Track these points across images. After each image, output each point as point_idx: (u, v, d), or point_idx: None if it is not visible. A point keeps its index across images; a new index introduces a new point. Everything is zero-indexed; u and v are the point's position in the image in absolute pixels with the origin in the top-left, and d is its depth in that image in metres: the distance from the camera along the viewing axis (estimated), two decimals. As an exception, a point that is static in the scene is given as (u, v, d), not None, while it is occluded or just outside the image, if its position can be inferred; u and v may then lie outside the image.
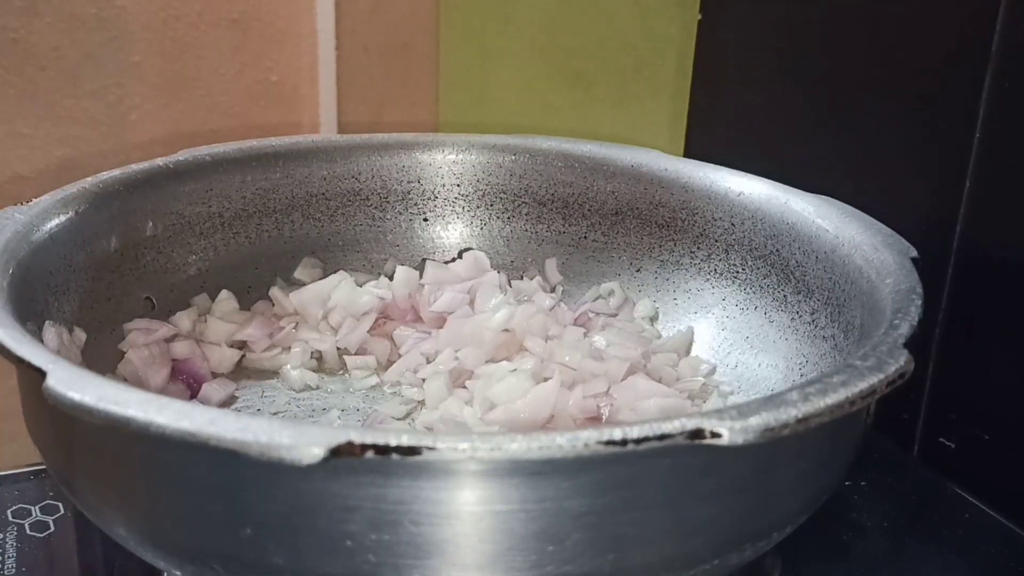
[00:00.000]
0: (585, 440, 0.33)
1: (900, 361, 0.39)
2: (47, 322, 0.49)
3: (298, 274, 0.67)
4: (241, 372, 0.61)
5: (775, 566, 0.51)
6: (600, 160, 0.68)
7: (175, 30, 0.77)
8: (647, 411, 0.54)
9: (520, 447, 0.32)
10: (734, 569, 0.41)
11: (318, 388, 0.60)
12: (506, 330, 0.60)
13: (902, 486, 0.60)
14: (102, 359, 0.54)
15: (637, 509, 0.36)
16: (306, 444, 0.31)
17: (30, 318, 0.48)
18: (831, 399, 0.36)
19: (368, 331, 0.63)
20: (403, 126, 0.84)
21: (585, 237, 0.69)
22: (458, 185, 0.70)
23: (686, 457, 0.36)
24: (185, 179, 0.62)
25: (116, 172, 0.58)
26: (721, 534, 0.39)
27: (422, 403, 0.58)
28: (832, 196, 0.58)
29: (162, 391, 0.56)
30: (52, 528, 0.52)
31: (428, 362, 0.61)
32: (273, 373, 0.61)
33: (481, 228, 0.70)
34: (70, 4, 0.73)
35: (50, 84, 0.74)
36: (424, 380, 0.59)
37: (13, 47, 0.73)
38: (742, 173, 0.63)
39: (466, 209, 0.70)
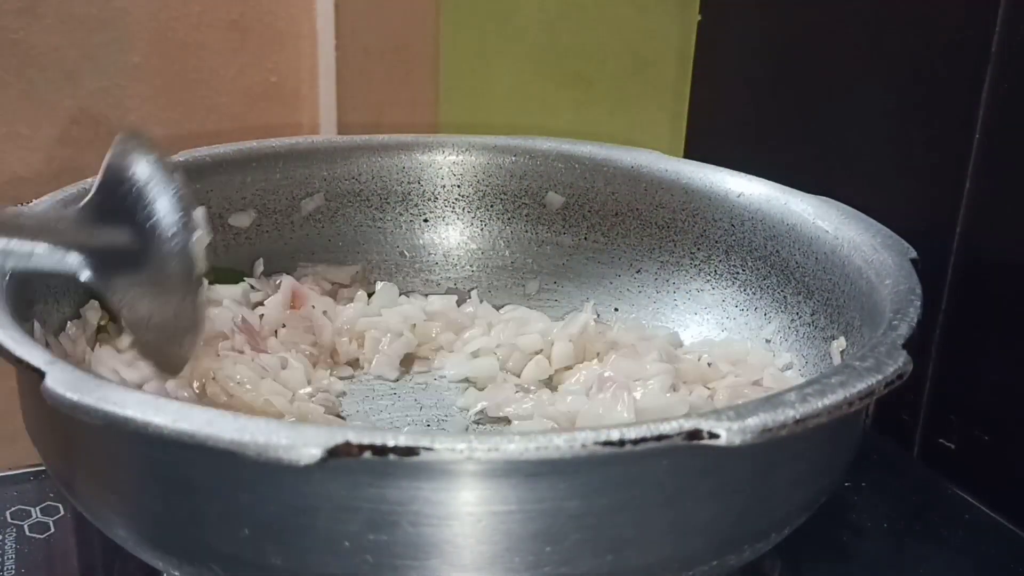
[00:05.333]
0: (583, 441, 0.33)
1: (898, 362, 0.39)
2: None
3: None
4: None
5: (774, 567, 0.51)
6: (600, 161, 0.68)
7: (175, 31, 0.77)
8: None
9: (517, 447, 0.32)
10: (733, 570, 0.41)
11: None
12: None
13: (902, 487, 0.60)
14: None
15: (635, 510, 0.36)
16: (303, 444, 0.31)
17: (29, 319, 0.48)
18: (829, 400, 0.36)
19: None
20: (403, 127, 0.84)
21: (585, 238, 0.69)
22: (458, 186, 0.70)
23: (684, 458, 0.36)
24: (185, 180, 0.62)
25: (116, 173, 0.58)
26: (719, 535, 0.39)
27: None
28: (832, 197, 0.58)
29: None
30: (52, 529, 0.52)
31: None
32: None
33: (481, 229, 0.70)
34: (70, 5, 0.73)
35: (50, 85, 0.74)
36: None
37: (13, 48, 0.73)
38: (742, 174, 0.63)
39: (466, 210, 0.70)
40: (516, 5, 0.85)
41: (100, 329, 0.55)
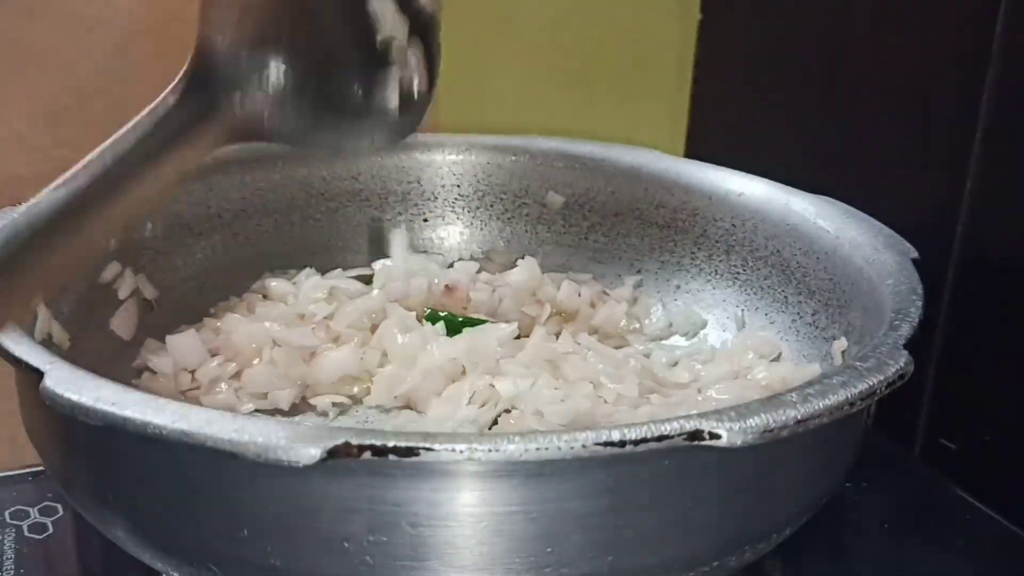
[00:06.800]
0: (583, 441, 0.33)
1: (900, 362, 0.39)
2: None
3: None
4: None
5: (775, 567, 0.51)
6: (600, 161, 0.68)
7: (175, 31, 0.77)
8: None
9: (518, 448, 0.32)
10: (734, 571, 0.41)
11: None
12: None
13: (903, 487, 0.60)
14: (99, 361, 0.54)
15: (636, 511, 0.36)
16: (303, 445, 0.31)
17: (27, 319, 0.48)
18: (830, 400, 0.36)
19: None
20: (403, 126, 0.84)
21: (585, 238, 0.68)
22: (458, 186, 0.70)
23: (685, 458, 0.36)
24: (184, 180, 0.62)
25: (115, 173, 0.58)
26: (721, 536, 0.39)
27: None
28: (832, 196, 0.58)
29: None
30: (50, 530, 0.52)
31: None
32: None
33: (481, 229, 0.70)
34: (69, 5, 0.73)
35: (49, 85, 0.74)
36: None
37: (12, 48, 0.73)
38: (743, 173, 0.63)
39: (466, 210, 0.70)
40: (516, 4, 0.85)
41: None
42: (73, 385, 0.35)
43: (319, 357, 0.56)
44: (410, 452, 0.32)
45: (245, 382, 0.55)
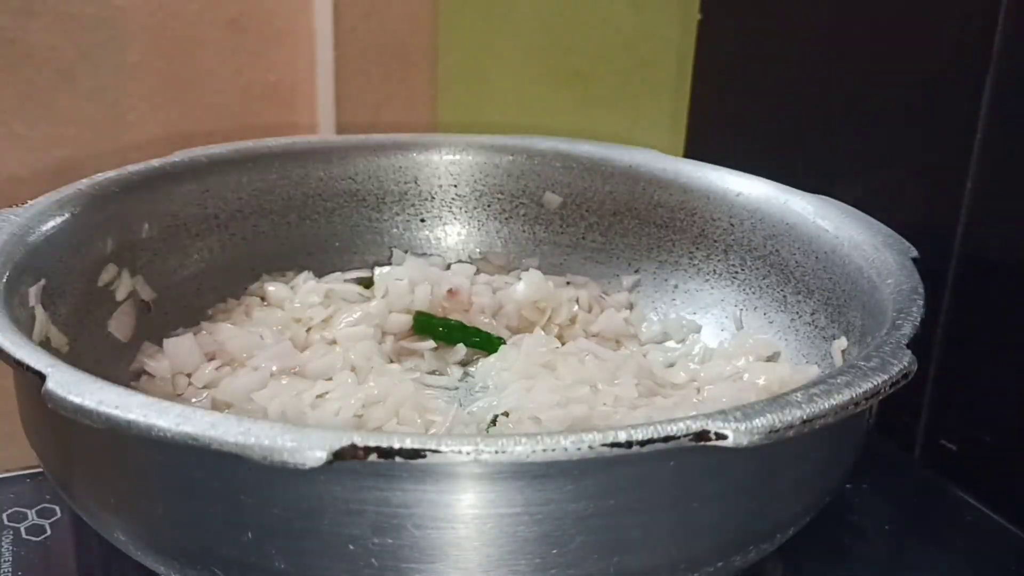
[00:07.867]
0: (590, 442, 0.32)
1: (903, 361, 0.39)
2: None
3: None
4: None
5: (776, 569, 0.51)
6: (598, 160, 0.68)
7: (172, 30, 0.77)
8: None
9: (524, 449, 0.32)
10: (738, 570, 0.41)
11: None
12: None
13: (903, 488, 0.60)
14: (96, 364, 0.54)
15: (641, 511, 0.36)
16: (309, 447, 0.31)
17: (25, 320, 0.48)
18: (836, 400, 0.36)
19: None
20: (401, 126, 0.84)
21: (583, 238, 0.68)
22: (455, 186, 0.70)
23: (691, 459, 0.35)
24: (181, 180, 0.62)
25: (112, 174, 0.58)
26: (725, 536, 0.39)
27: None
28: (832, 196, 0.58)
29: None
30: (48, 532, 0.52)
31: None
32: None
33: (478, 229, 0.70)
34: (67, 4, 0.73)
35: (47, 84, 0.74)
36: None
37: (10, 47, 0.73)
38: (741, 173, 0.63)
39: (463, 210, 0.70)
40: (515, 5, 0.85)
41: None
42: (76, 388, 0.34)
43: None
44: (416, 454, 0.32)
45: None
